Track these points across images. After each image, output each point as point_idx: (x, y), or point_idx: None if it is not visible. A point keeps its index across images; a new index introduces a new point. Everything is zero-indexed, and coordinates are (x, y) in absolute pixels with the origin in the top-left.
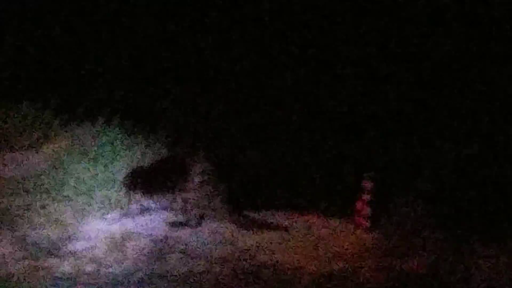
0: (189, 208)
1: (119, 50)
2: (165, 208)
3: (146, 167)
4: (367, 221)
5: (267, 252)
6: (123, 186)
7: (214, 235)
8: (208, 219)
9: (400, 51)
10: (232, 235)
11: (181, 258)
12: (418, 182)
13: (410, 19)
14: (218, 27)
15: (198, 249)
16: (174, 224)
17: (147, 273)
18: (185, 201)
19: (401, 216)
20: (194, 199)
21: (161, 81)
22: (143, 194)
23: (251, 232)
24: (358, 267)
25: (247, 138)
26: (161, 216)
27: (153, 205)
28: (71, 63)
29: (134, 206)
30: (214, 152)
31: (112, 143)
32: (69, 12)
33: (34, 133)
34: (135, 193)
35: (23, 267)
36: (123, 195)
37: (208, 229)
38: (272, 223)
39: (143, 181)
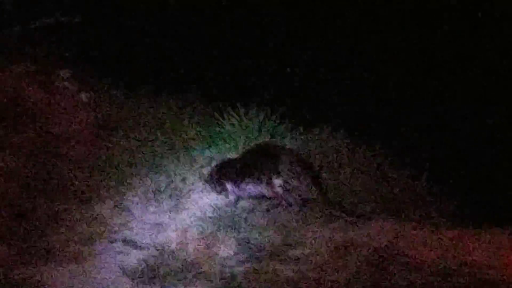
0: (291, 193)
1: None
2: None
3: (236, 158)
4: None
5: (487, 268)
6: (212, 176)
7: (433, 245)
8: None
9: None
10: (450, 247)
11: (403, 269)
12: None
13: None
14: None
15: (419, 260)
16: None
17: (368, 283)
18: (282, 187)
19: None
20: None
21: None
22: (234, 184)
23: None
24: None
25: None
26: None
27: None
28: (301, 69)
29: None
30: None
31: (338, 151)
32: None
33: (258, 138)
34: (226, 183)
35: (246, 269)
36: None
37: (426, 240)
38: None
39: (234, 171)
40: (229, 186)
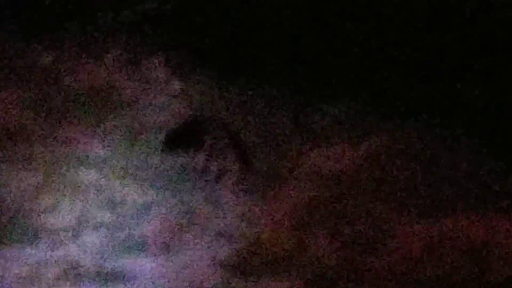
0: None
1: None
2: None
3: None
4: None
5: None
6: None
7: None
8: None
9: None
10: None
11: (502, 263)
12: None
13: None
14: None
15: None
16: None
17: (467, 278)
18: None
19: None
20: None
21: None
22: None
23: None
24: None
25: None
26: None
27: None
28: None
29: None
30: None
31: (434, 145)
32: None
33: (352, 129)
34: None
35: (338, 262)
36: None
37: None
38: None
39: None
40: None
